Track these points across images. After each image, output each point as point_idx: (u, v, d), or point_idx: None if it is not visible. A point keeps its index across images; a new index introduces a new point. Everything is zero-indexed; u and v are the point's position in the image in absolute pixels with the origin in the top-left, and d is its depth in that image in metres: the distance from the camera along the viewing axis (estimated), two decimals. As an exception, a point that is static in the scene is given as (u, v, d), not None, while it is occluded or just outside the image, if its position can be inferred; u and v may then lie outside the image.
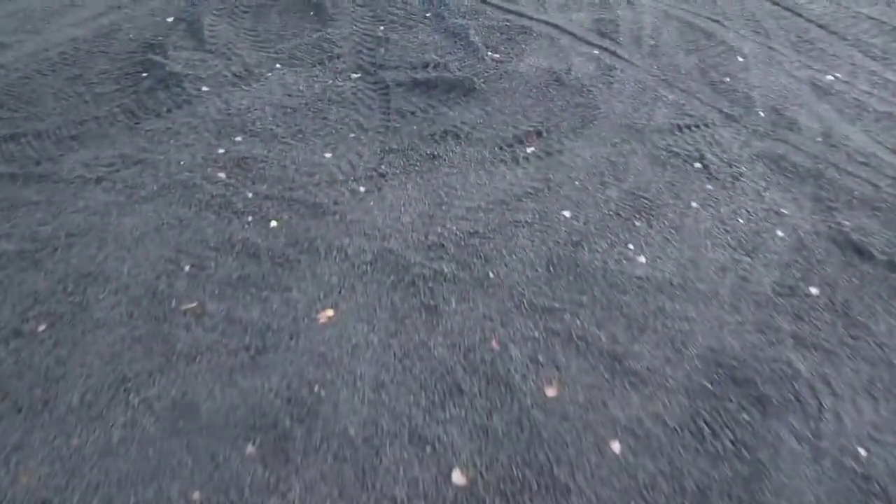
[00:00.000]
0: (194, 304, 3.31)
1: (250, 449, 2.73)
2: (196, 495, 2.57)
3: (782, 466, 2.69)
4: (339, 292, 3.37)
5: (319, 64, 5.07)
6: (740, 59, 5.09)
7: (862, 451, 2.77)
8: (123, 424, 2.81)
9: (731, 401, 2.93)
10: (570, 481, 2.63)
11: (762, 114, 4.55)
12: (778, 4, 5.82)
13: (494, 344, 3.14)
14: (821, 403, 2.93)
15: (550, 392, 2.95)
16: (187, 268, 3.49)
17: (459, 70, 4.87)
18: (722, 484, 2.65)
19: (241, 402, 2.89)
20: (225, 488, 2.59)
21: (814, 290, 3.42)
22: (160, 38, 5.39)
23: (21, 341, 3.13)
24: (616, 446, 2.77)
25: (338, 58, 5.13)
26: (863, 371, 3.06)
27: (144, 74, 4.95)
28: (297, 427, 2.81)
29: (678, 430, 2.83)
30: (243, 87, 4.81)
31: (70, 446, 2.73)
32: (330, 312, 3.27)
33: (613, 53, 5.13)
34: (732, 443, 2.79)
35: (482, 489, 2.60)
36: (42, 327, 3.20)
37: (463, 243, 3.60)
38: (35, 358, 3.06)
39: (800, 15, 5.71)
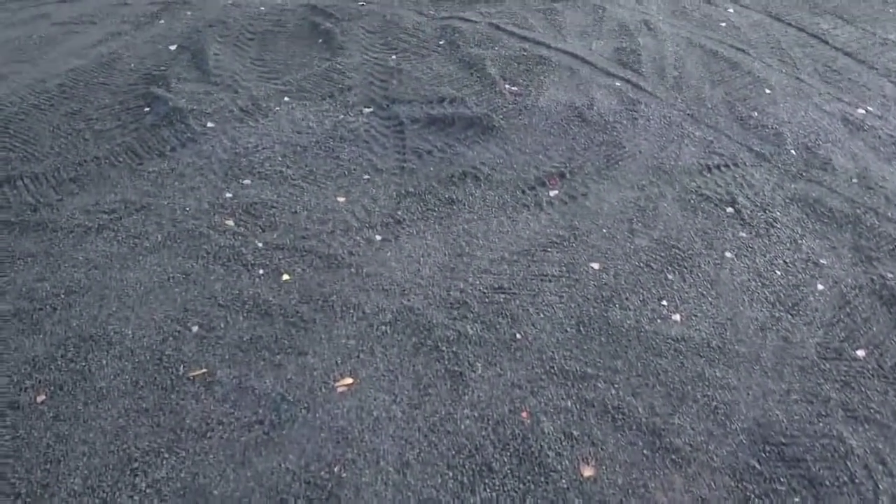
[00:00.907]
0: (203, 371, 3.08)
1: None
2: None
3: None
4: (358, 356, 3.15)
5: (329, 97, 4.85)
6: (768, 91, 4.87)
7: None
8: None
9: (780, 483, 2.71)
10: None
11: (794, 152, 4.33)
12: (804, 31, 5.60)
13: (525, 415, 2.92)
14: (877, 485, 2.71)
15: (587, 472, 2.73)
16: (195, 328, 3.26)
17: (477, 105, 4.65)
18: None
19: (256, 485, 2.67)
20: None
21: (861, 353, 3.20)
22: (162, 68, 5.17)
23: (19, 415, 2.91)
24: None
25: (349, 90, 4.90)
26: None
27: (147, 109, 4.73)
28: None
29: None
30: (250, 122, 4.59)
31: None
32: (348, 380, 3.06)
33: (636, 86, 4.91)
34: None
35: None
36: (41, 398, 2.99)
37: (487, 300, 3.38)
38: (34, 434, 2.84)
39: (826, 42, 5.49)
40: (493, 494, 2.69)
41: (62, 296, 3.45)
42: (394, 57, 5.35)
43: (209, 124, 4.57)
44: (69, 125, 4.62)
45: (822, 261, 3.71)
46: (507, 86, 4.86)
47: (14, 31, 5.84)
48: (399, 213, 3.93)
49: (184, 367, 3.14)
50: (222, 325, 3.32)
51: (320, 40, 5.58)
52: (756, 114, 4.72)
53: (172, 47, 5.49)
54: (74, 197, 4.05)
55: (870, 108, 4.81)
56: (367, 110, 4.75)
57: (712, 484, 2.74)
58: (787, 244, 3.79)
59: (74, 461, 2.78)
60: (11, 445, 2.84)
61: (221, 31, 5.68)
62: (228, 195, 4.03)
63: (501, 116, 4.63)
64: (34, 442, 2.85)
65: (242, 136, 4.48)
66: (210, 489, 2.69)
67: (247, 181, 4.12)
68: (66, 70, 5.23)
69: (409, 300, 3.43)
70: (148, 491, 2.69)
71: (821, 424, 2.94)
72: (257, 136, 4.48)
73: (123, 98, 4.89)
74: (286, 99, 4.87)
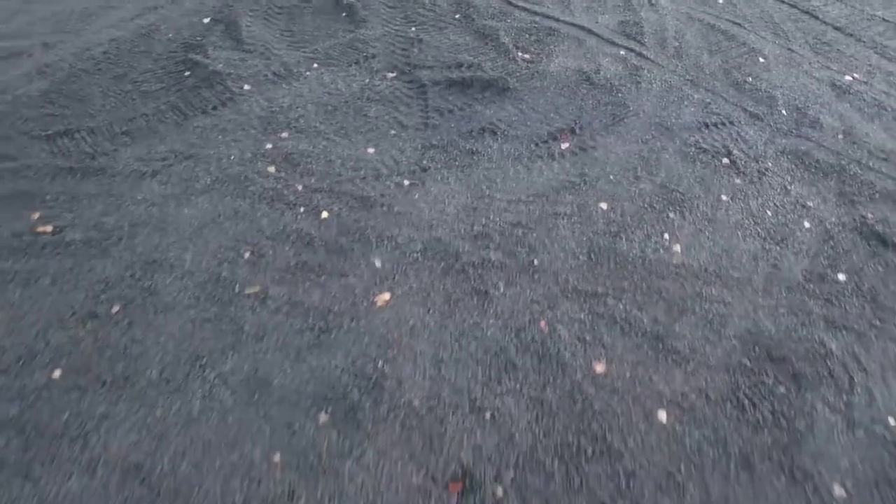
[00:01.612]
0: (257, 289, 3.53)
1: (323, 418, 2.95)
2: (277, 457, 2.79)
3: (818, 434, 2.92)
4: (394, 277, 3.60)
5: (355, 63, 5.29)
6: (762, 60, 5.32)
7: (892, 422, 2.99)
8: (202, 396, 3.03)
9: (768, 376, 3.16)
10: (623, 447, 2.86)
11: (785, 112, 4.79)
12: (796, 7, 6.06)
13: (543, 325, 3.36)
14: (852, 378, 3.15)
15: (599, 368, 3.18)
16: (247, 255, 3.71)
17: (493, 70, 5.09)
18: (763, 449, 2.88)
19: (311, 377, 3.11)
20: (303, 452, 2.82)
21: (841, 277, 3.65)
22: (198, 38, 5.62)
23: (97, 322, 3.35)
24: (663, 416, 2.99)
25: (373, 57, 5.35)
26: (891, 350, 3.29)
27: (187, 73, 5.18)
28: (366, 399, 3.03)
29: (720, 402, 3.06)
30: (283, 85, 5.04)
31: (154, 416, 2.95)
32: (386, 296, 3.50)
33: (640, 54, 5.36)
34: (771, 413, 3.01)
35: (542, 453, 2.82)
36: (115, 309, 3.42)
37: (507, 233, 3.83)
38: (112, 337, 3.28)
39: (817, 17, 5.94)
40: (517, 385, 3.14)
41: (126, 228, 3.90)
42: (413, 29, 5.80)
43: (245, 87, 5.03)
44: (117, 87, 5.07)
45: (809, 203, 4.17)
46: (519, 53, 5.32)
47: (55, 6, 6.30)
48: (424, 162, 4.38)
49: (239, 286, 3.59)
50: (271, 253, 3.77)
51: (343, 14, 6.03)
52: (750, 79, 5.18)
53: (206, 20, 5.95)
54: (128, 147, 4.50)
55: (856, 76, 5.27)
56: (390, 75, 5.20)
57: (709, 378, 3.19)
58: (778, 190, 4.25)
59: (150, 358, 3.23)
60: (94, 346, 3.29)
61: (251, 5, 6.14)
62: (268, 146, 4.48)
63: (515, 80, 5.08)
64: (113, 343, 3.30)
65: (277, 97, 4.93)
66: (270, 380, 3.14)
67: (284, 135, 4.58)
68: (108, 40, 5.68)
69: (436, 233, 3.89)
70: (216, 381, 3.14)
71: (804, 332, 3.40)
72: (291, 97, 4.94)
73: (164, 64, 5.35)
74: (315, 65, 5.33)
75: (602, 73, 5.06)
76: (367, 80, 5.05)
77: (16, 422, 2.89)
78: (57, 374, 3.08)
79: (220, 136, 4.52)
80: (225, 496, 2.64)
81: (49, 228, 3.80)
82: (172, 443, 2.83)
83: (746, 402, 3.03)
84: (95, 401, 2.97)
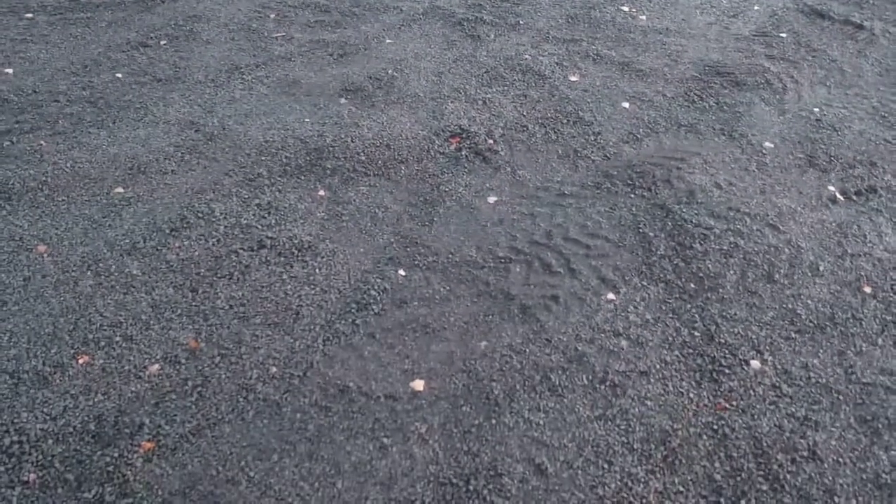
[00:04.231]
0: (283, 34, 4.22)
1: (343, 101, 3.64)
2: (308, 119, 3.47)
3: (755, 114, 3.62)
4: (399, 28, 4.30)
5: None
6: None
7: (816, 110, 3.71)
8: (242, 88, 3.71)
9: (715, 84, 3.87)
10: (593, 119, 3.53)
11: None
12: None
13: (527, 57, 4.07)
14: (785, 86, 3.86)
15: (574, 78, 3.88)
16: (272, 16, 4.40)
17: None
18: (708, 122, 3.58)
19: (332, 79, 3.80)
20: (329, 116, 3.47)
21: (783, 35, 4.38)
22: None
23: (148, 49, 4.02)
24: (626, 105, 3.69)
25: None
26: (819, 73, 4.01)
27: None
28: (378, 91, 3.72)
29: (674, 98, 3.76)
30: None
31: (203, 98, 3.63)
32: (392, 38, 4.20)
33: None
34: (716, 103, 3.72)
35: (525, 122, 3.52)
36: (163, 42, 4.10)
37: (497, 5, 4.55)
38: (163, 56, 3.96)
39: None
40: (505, 87, 3.83)
41: None
42: None
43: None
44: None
45: None
46: None
47: None
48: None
49: (267, 32, 4.28)
50: (292, 15, 4.45)
51: None
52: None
53: None
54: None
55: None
56: None
57: (665, 84, 3.89)
58: (733, -15, 4.97)
59: (195, 67, 3.89)
60: (147, 62, 3.94)
61: None
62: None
63: None
64: (164, 59, 3.96)
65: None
66: (299, 80, 3.81)
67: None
68: None
69: (436, 3, 4.59)
70: (253, 80, 3.82)
71: (748, 61, 4.11)
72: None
73: None
74: None
75: None
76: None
77: (88, 98, 3.53)
78: (119, 75, 3.75)
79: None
80: (266, 139, 3.33)
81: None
82: (219, 113, 3.48)
83: (696, 97, 3.73)
84: (153, 90, 3.64)
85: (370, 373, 2.13)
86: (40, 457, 1.86)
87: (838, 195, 2.95)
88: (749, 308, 2.39)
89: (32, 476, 1.81)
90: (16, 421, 1.94)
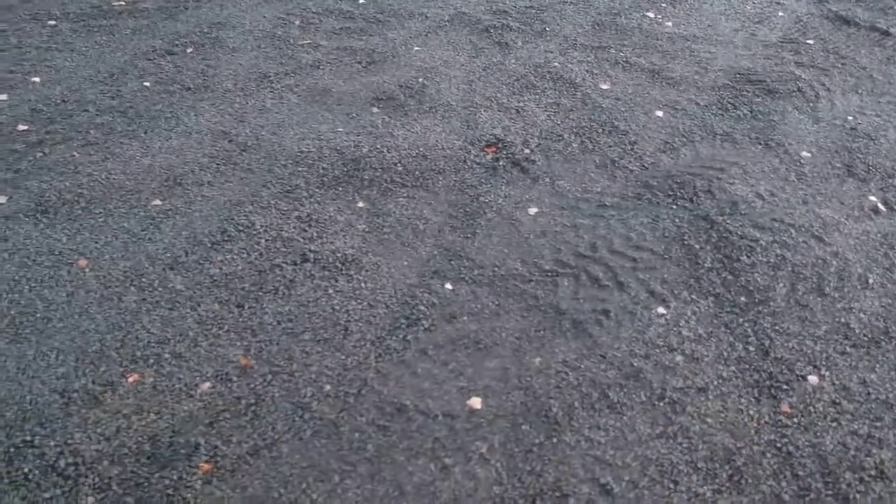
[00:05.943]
0: (309, 41, 4.19)
1: (375, 110, 3.61)
2: (341, 127, 3.44)
3: (789, 123, 3.59)
4: (426, 35, 4.27)
5: None
6: None
7: (850, 118, 3.68)
8: (272, 97, 3.67)
9: (747, 92, 3.84)
10: (628, 129, 3.50)
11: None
12: None
13: (556, 64, 4.04)
14: (817, 94, 3.84)
15: (605, 86, 3.86)
16: (297, 22, 4.37)
17: None
18: (743, 131, 3.55)
19: (363, 87, 3.77)
20: (362, 126, 3.43)
21: (811, 41, 4.35)
22: None
23: (175, 57, 3.99)
24: (659, 113, 3.66)
25: None
26: (849, 80, 3.98)
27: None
28: (410, 99, 3.69)
29: (708, 106, 3.73)
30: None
31: (233, 107, 3.59)
32: (418, 47, 4.17)
33: None
34: (750, 111, 3.69)
35: (561, 131, 3.49)
36: (189, 50, 4.07)
37: (522, 11, 4.52)
38: (190, 64, 3.92)
39: None
40: (537, 96, 3.80)
41: (190, 1, 4.55)
42: None
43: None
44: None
45: (783, 1, 4.88)
46: None
47: None
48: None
49: (293, 39, 4.25)
50: (317, 21, 4.42)
51: None
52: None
53: None
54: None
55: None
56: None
57: (697, 92, 3.86)
58: (757, -9, 4.95)
59: (224, 75, 3.85)
60: (174, 69, 3.90)
61: None
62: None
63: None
64: (191, 67, 3.92)
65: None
66: (329, 89, 3.78)
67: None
68: None
69: (461, 9, 4.56)
70: (283, 89, 3.78)
71: (778, 68, 4.09)
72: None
73: None
74: None
75: None
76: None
77: (117, 108, 3.50)
78: (147, 83, 3.72)
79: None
80: (301, 149, 3.29)
81: (123, 2, 4.44)
82: (251, 122, 3.45)
83: (729, 105, 3.71)
84: (183, 98, 3.60)
85: (426, 390, 2.09)
86: (97, 479, 1.82)
87: (880, 205, 2.92)
88: (801, 322, 2.35)
89: (91, 500, 1.77)
90: (69, 442, 1.90)
